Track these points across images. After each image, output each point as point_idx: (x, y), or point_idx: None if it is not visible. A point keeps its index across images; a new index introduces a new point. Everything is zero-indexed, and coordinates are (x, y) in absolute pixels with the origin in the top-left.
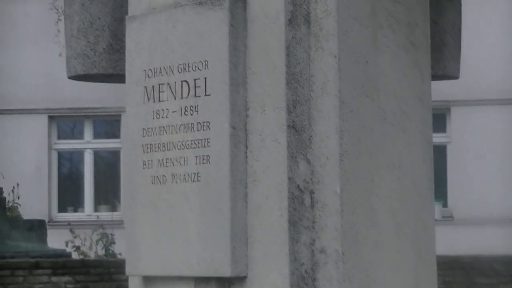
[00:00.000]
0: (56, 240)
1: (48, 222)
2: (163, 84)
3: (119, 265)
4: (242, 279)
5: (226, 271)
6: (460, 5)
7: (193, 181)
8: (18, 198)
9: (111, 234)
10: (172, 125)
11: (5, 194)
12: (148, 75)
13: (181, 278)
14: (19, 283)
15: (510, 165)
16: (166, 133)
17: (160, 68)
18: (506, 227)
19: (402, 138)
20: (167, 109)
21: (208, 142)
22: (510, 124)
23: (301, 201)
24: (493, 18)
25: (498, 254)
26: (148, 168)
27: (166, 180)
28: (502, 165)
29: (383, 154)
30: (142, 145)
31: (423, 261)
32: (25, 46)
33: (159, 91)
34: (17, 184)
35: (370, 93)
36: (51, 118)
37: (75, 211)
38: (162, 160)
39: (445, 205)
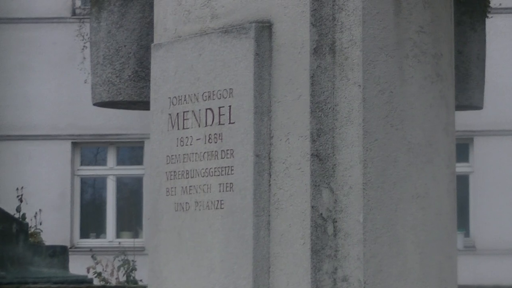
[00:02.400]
0: (78, 266)
1: (70, 248)
2: (187, 111)
3: None
4: None
5: None
6: (485, 35)
7: (217, 208)
8: (41, 224)
9: (133, 261)
10: (196, 153)
11: (27, 220)
12: (173, 102)
13: None
14: None
15: None
16: (190, 160)
17: (185, 95)
18: None
19: (428, 169)
20: (191, 136)
21: (232, 170)
22: None
23: (324, 230)
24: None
25: None
26: (172, 195)
27: (189, 207)
28: None
29: (408, 184)
30: (166, 172)
31: None
32: (50, 72)
33: (184, 119)
34: (40, 210)
35: (395, 123)
36: (74, 144)
37: (97, 237)
38: (186, 187)
39: (467, 235)
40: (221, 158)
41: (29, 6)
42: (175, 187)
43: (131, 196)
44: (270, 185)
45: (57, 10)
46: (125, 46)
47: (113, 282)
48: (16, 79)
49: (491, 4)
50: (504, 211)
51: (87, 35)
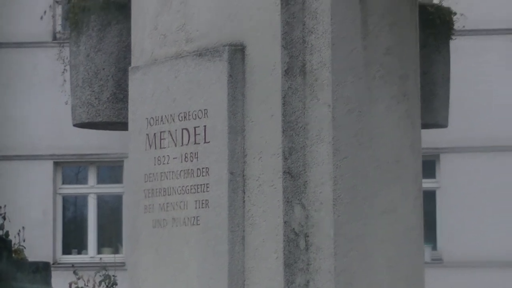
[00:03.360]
0: (60, 282)
1: (53, 264)
2: (164, 131)
3: None
4: None
5: None
6: (449, 56)
7: (193, 224)
8: (24, 241)
9: (114, 276)
10: (173, 171)
11: (11, 237)
12: (150, 123)
13: None
14: None
15: (498, 210)
16: (167, 178)
17: (162, 116)
18: (494, 269)
19: (396, 185)
20: (168, 155)
21: (207, 187)
22: (498, 170)
23: (296, 244)
24: (483, 69)
25: None
26: (150, 212)
27: (167, 224)
28: (490, 209)
29: (377, 200)
30: (144, 190)
31: None
32: (32, 94)
33: (161, 139)
34: (23, 228)
35: (363, 141)
36: (56, 163)
37: (79, 253)
38: (163, 204)
39: (434, 248)
40: (197, 176)
41: (12, 30)
42: (153, 204)
43: (111, 214)
44: (244, 201)
45: (38, 35)
46: (103, 69)
47: None
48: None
49: (455, 27)
50: (470, 225)
51: (67, 58)
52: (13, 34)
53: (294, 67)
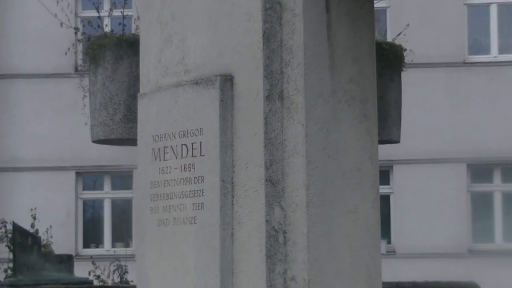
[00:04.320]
0: (81, 271)
1: (75, 256)
2: (167, 146)
3: None
4: None
5: None
6: (401, 84)
7: (191, 223)
8: (51, 237)
9: (125, 265)
10: (174, 179)
11: (40, 234)
12: (155, 139)
13: None
14: None
15: (439, 211)
16: (169, 185)
17: (165, 134)
18: (437, 259)
19: (358, 190)
20: (170, 166)
21: (202, 192)
22: (438, 178)
23: (276, 239)
24: (428, 95)
25: (431, 281)
26: (154, 213)
27: (169, 223)
28: (433, 210)
29: (342, 202)
30: (150, 195)
31: (372, 286)
32: (57, 117)
33: (164, 152)
34: (50, 226)
35: (331, 154)
36: (77, 173)
37: (97, 247)
38: (166, 206)
39: (389, 242)
40: (194, 183)
41: (41, 64)
42: (157, 207)
43: (123, 214)
44: (233, 204)
45: (63, 67)
46: (116, 95)
47: (109, 283)
48: (30, 123)
49: (405, 60)
50: (417, 223)
51: (86, 86)
52: (42, 67)
53: (274, 94)
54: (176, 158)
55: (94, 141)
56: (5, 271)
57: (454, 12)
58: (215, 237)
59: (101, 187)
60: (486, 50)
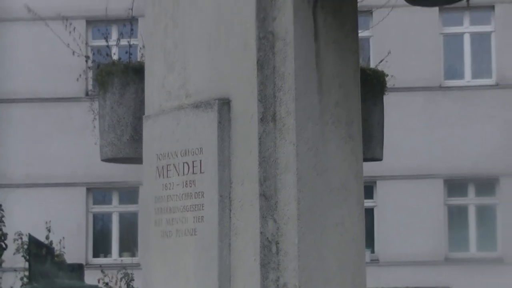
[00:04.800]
0: (91, 278)
1: (85, 265)
2: (170, 164)
3: None
4: None
5: None
6: (383, 107)
7: (192, 235)
8: (64, 247)
9: (131, 273)
10: (176, 194)
11: (54, 245)
12: (159, 158)
13: None
14: None
15: (419, 222)
16: (172, 200)
17: (168, 153)
18: (417, 267)
19: (344, 205)
20: (173, 183)
21: (202, 206)
22: (417, 192)
23: (269, 249)
24: (408, 117)
25: (411, 287)
26: (158, 225)
27: (171, 234)
28: (413, 221)
29: (330, 216)
30: (154, 209)
31: None
32: (69, 137)
33: (167, 170)
34: (63, 238)
35: (320, 171)
36: (88, 189)
37: (105, 256)
38: (169, 219)
39: (373, 251)
40: (195, 198)
41: (54, 89)
42: (161, 219)
43: (129, 227)
44: (230, 217)
45: (74, 92)
46: (123, 118)
47: None
48: (44, 143)
49: (387, 85)
50: (399, 234)
51: (96, 110)
52: (55, 91)
53: (267, 116)
54: (178, 175)
55: (103, 160)
56: (21, 279)
57: (431, 41)
58: (213, 247)
59: (109, 202)
60: (460, 75)
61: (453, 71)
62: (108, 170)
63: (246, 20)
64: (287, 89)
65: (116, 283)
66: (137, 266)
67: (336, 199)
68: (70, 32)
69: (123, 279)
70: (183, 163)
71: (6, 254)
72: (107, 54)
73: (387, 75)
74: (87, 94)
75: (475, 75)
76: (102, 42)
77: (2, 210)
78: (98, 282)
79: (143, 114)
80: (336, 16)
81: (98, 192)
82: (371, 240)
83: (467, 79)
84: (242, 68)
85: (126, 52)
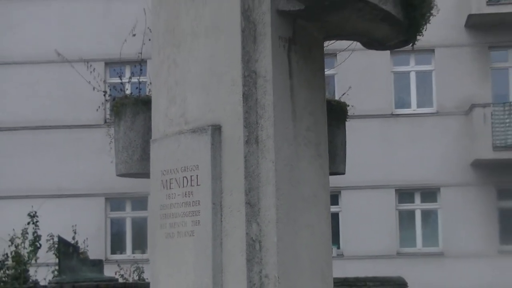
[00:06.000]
0: (109, 271)
1: (105, 260)
2: (172, 179)
3: (147, 286)
4: None
5: None
6: (345, 131)
7: (190, 236)
8: (87, 246)
9: (142, 267)
10: (177, 203)
11: (79, 244)
12: (163, 173)
13: None
14: None
15: (377, 223)
16: (174, 207)
17: (170, 169)
18: (376, 260)
19: (314, 210)
20: (175, 193)
21: (199, 212)
22: (375, 199)
23: (254, 247)
24: (366, 139)
25: (370, 276)
26: (163, 228)
27: (174, 236)
28: (372, 223)
29: (302, 219)
30: (160, 215)
31: (326, 282)
32: (90, 157)
33: (170, 183)
34: (86, 238)
35: (294, 183)
36: (106, 198)
37: (121, 253)
38: (172, 223)
39: (338, 247)
40: (192, 206)
41: (79, 116)
42: (165, 223)
43: (140, 229)
44: (221, 221)
45: (95, 120)
46: (134, 141)
47: (130, 280)
48: (72, 162)
49: (349, 113)
50: (359, 233)
51: (112, 134)
52: (80, 119)
53: (251, 139)
54: (179, 187)
55: (118, 175)
56: (53, 272)
57: (383, 77)
58: (208, 246)
59: (123, 209)
60: (407, 105)
61: (402, 101)
62: (122, 183)
63: (233, 62)
64: (267, 117)
65: (129, 275)
66: (146, 261)
67: (308, 206)
68: (91, 72)
69: (135, 272)
70: (183, 177)
71: (40, 252)
72: (121, 89)
73: (349, 105)
74: (105, 121)
75: (419, 105)
76: (117, 80)
77: (37, 216)
78: (115, 274)
79: (150, 138)
80: (307, 59)
81: (114, 201)
82: (336, 239)
83: (413, 108)
84: (231, 100)
85: (137, 88)
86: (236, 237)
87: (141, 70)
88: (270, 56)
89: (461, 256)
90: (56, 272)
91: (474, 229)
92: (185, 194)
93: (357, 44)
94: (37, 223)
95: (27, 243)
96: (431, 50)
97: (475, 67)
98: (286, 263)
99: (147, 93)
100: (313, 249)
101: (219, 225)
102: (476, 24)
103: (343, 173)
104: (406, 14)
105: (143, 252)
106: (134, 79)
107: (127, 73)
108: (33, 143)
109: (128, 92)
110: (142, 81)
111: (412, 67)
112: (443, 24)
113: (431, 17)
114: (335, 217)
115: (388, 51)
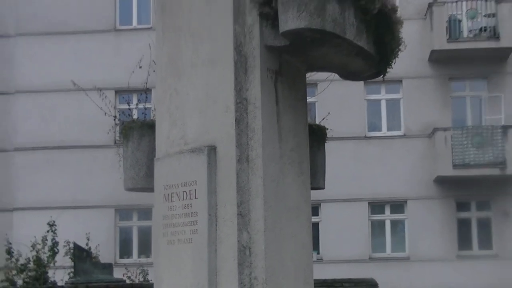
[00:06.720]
0: (118, 273)
1: (114, 264)
2: (173, 192)
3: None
4: None
5: None
6: (325, 152)
7: (189, 243)
8: (99, 251)
9: (147, 270)
10: (178, 214)
11: (92, 249)
12: (165, 188)
13: None
14: None
15: (350, 231)
16: (175, 218)
17: (172, 184)
18: (350, 263)
19: (298, 221)
20: (176, 205)
21: (196, 222)
22: (351, 210)
23: (244, 253)
24: (341, 159)
25: (345, 278)
26: (165, 236)
27: (174, 242)
28: (347, 231)
29: (287, 229)
30: (162, 224)
31: (307, 283)
32: (103, 173)
33: (171, 196)
34: (98, 244)
35: (280, 197)
36: (116, 210)
37: (128, 257)
38: (173, 232)
39: (318, 253)
40: (191, 216)
41: (92, 138)
42: (167, 232)
43: (145, 236)
44: (216, 230)
45: (106, 141)
46: (140, 159)
47: (136, 281)
48: (86, 177)
49: (328, 136)
50: (336, 241)
51: (121, 154)
52: (93, 140)
53: (243, 158)
54: (179, 200)
55: (126, 189)
56: (69, 274)
57: (358, 104)
58: (204, 252)
59: (131, 219)
60: (379, 128)
61: (373, 125)
62: (130, 197)
63: (227, 90)
64: (257, 139)
65: (136, 277)
66: (150, 264)
67: (292, 216)
68: (102, 99)
69: (141, 274)
70: (183, 191)
71: (58, 256)
72: (129, 114)
73: (327, 129)
74: (115, 142)
75: (389, 129)
76: (126, 106)
77: (55, 225)
78: (123, 276)
79: (154, 157)
80: (291, 88)
81: (122, 212)
82: (317, 245)
83: (384, 131)
84: (224, 124)
85: (143, 113)
86: (229, 244)
87: (146, 97)
88: (259, 85)
89: (425, 260)
90: (71, 274)
91: (436, 237)
92: (185, 206)
93: (335, 75)
94: (55, 231)
95: (46, 248)
96: (399, 81)
97: (437, 96)
98: (272, 267)
99: (151, 118)
100: (297, 255)
101: (214, 233)
102: (438, 59)
103: (323, 188)
104: (377, 50)
105: (148, 256)
106: (140, 106)
107: (134, 100)
108: (51, 161)
109: (135, 117)
110: (147, 107)
111: (383, 95)
112: (409, 58)
113: (399, 52)
114: (315, 226)
115: (362, 82)
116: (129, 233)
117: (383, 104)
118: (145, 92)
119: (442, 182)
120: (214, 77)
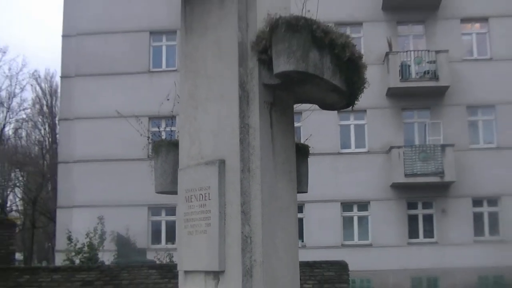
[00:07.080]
0: (150, 256)
1: (147, 249)
2: (192, 195)
3: (175, 266)
4: (223, 272)
5: (216, 268)
6: (307, 164)
7: (204, 234)
8: (136, 239)
9: (172, 253)
10: (195, 211)
11: (130, 238)
12: (186, 191)
13: (199, 272)
14: (136, 273)
15: (327, 225)
16: (193, 214)
17: (191, 188)
18: (327, 249)
19: (288, 219)
20: (194, 205)
21: (210, 218)
22: (327, 209)
23: (246, 241)
24: (322, 171)
25: (322, 260)
26: (186, 228)
27: (193, 233)
28: (324, 225)
29: (280, 223)
30: (184, 219)
31: (294, 264)
32: (139, 181)
33: (191, 198)
34: (135, 234)
35: (274, 199)
36: (148, 208)
37: (158, 244)
38: (192, 225)
39: (302, 241)
40: (205, 213)
41: (130, 154)
42: (188, 225)
43: (171, 229)
44: (225, 224)
45: (141, 155)
46: (167, 169)
47: (164, 262)
48: (125, 185)
49: (310, 152)
50: (317, 232)
51: (152, 165)
52: (131, 155)
53: (245, 169)
54: (197, 200)
55: (156, 192)
56: (113, 256)
57: (333, 128)
58: (216, 241)
59: (160, 215)
60: (349, 146)
61: (345, 144)
62: (159, 198)
63: (233, 118)
64: (256, 154)
65: (164, 259)
66: (175, 249)
67: (283, 214)
68: (139, 123)
69: (167, 257)
70: (199, 194)
71: (105, 242)
72: (159, 135)
73: (310, 147)
74: (148, 156)
75: (356, 147)
76: (156, 129)
77: (103, 219)
78: (154, 258)
79: (178, 167)
80: (282, 115)
81: (154, 209)
82: (301, 235)
83: (352, 148)
84: (231, 143)
85: (170, 134)
86: (235, 235)
87: (172, 122)
88: (257, 114)
89: (383, 246)
90: (115, 256)
91: (391, 229)
92: (201, 205)
93: (315, 106)
94: (103, 223)
95: (97, 236)
96: (364, 111)
97: (393, 122)
98: (268, 252)
99: (176, 138)
100: (287, 243)
101: (223, 226)
102: (393, 94)
103: (306, 192)
104: (348, 87)
105: (173, 243)
106: (168, 129)
107: (163, 124)
108: (100, 171)
109: (163, 137)
110: (173, 130)
111: (352, 121)
112: (372, 93)
113: (364, 89)
114: (300, 221)
115: (336, 111)
116: (158, 226)
117: (352, 128)
118: (171, 118)
119: (396, 187)
120: (223, 108)
